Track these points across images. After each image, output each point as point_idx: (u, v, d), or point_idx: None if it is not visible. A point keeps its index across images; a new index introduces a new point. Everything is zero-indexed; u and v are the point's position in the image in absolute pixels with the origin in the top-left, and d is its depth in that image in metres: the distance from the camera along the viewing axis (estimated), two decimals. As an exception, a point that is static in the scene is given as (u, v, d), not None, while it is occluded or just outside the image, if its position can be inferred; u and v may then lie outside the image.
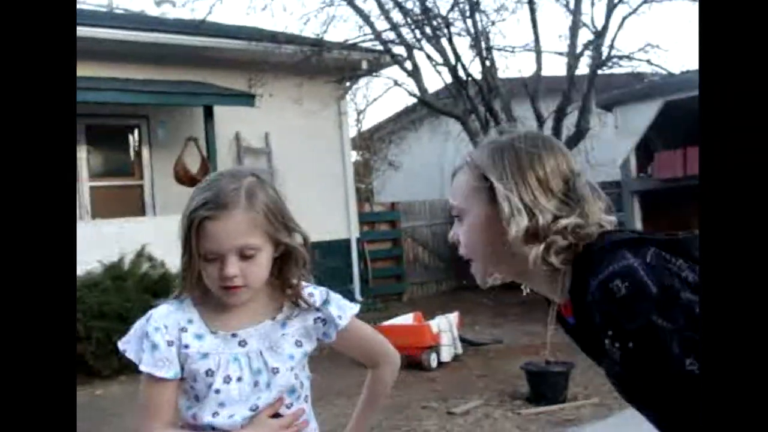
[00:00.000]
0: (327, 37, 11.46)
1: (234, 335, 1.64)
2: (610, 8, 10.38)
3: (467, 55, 16.62)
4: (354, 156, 17.36)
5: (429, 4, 10.75)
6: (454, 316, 8.26)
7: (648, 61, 10.72)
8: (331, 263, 10.93)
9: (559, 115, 10.39)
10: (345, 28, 36.92)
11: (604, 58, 10.58)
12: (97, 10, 14.06)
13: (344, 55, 11.56)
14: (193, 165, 10.43)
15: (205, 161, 10.46)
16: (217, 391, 1.61)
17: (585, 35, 10.75)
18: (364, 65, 12.55)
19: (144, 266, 8.75)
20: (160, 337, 1.60)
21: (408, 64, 11.00)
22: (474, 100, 10.82)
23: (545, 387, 6.25)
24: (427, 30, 10.80)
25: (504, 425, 5.74)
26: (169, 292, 1.69)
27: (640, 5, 10.49)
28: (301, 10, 18.30)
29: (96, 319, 7.95)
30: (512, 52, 11.36)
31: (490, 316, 10.98)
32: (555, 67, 53.02)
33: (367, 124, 20.73)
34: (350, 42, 11.52)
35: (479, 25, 10.64)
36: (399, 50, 11.24)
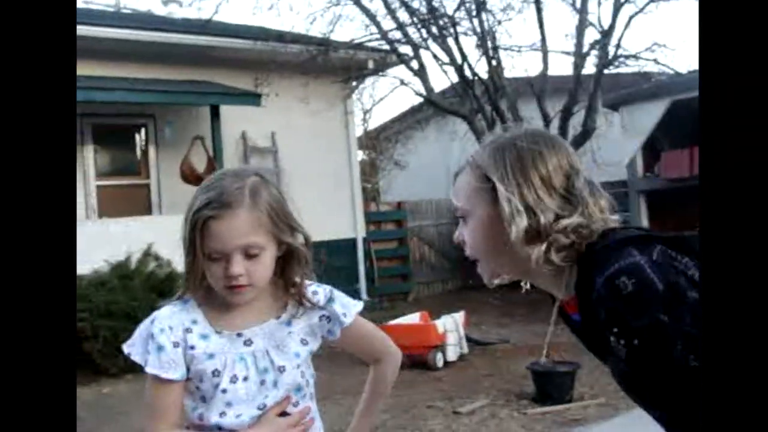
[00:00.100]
0: (333, 37, 11.48)
1: (239, 335, 1.64)
2: (617, 7, 10.37)
3: (474, 55, 16.59)
4: (360, 155, 17.36)
5: (435, 4, 10.75)
6: (460, 316, 8.26)
7: (655, 61, 10.72)
8: (337, 262, 10.92)
9: (566, 114, 10.38)
10: (351, 28, 36.96)
11: (610, 57, 10.57)
12: (105, 9, 14.08)
13: (350, 54, 11.57)
14: (200, 164, 10.45)
15: (212, 160, 10.47)
16: (224, 391, 1.61)
17: (592, 34, 10.75)
18: (371, 65, 12.55)
19: (150, 265, 8.77)
20: (165, 338, 1.59)
21: (414, 64, 11.00)
22: (480, 100, 10.82)
23: (551, 387, 6.24)
24: (434, 29, 10.81)
25: (510, 425, 5.74)
26: (175, 291, 1.69)
27: (647, 4, 10.48)
28: (307, 9, 18.44)
29: (103, 317, 7.98)
30: (519, 51, 11.38)
31: (496, 315, 10.97)
32: (561, 66, 52.96)
33: (374, 123, 20.72)
34: (356, 41, 11.53)
35: (485, 24, 10.64)
36: (405, 50, 11.24)
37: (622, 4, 10.37)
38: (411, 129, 18.60)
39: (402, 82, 11.75)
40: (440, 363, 7.72)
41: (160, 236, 8.53)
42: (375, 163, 20.75)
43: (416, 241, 14.55)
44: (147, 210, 11.03)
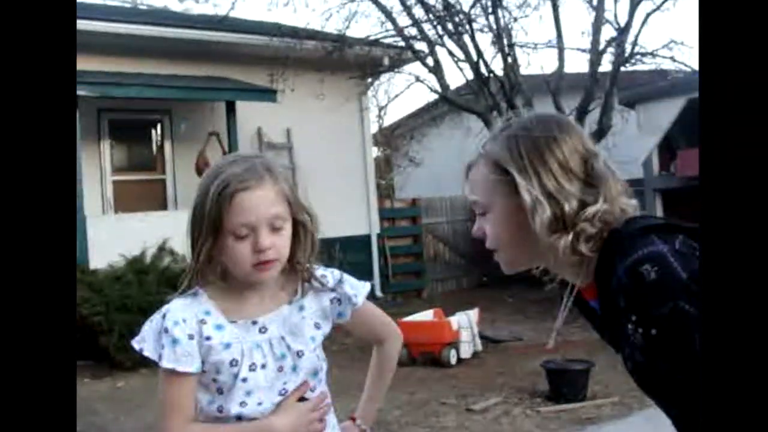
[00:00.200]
0: (349, 33, 11.48)
1: (254, 322, 1.64)
2: (634, 4, 10.30)
3: (489, 52, 16.58)
4: (375, 152, 17.35)
5: (451, 0, 10.72)
6: (474, 313, 8.25)
7: (672, 58, 10.64)
8: (351, 259, 10.93)
9: (581, 112, 10.33)
10: (367, 24, 36.94)
11: (627, 54, 10.51)
12: (122, 6, 14.15)
13: (366, 51, 11.57)
14: (215, 160, 10.46)
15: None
16: (244, 380, 1.61)
17: (608, 32, 10.68)
18: (386, 61, 12.54)
19: (166, 260, 8.82)
20: (180, 331, 1.58)
21: (430, 61, 10.99)
22: (496, 97, 10.79)
23: (565, 385, 6.22)
24: (449, 26, 10.78)
25: (523, 423, 5.73)
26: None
27: (664, 2, 10.41)
28: (323, 5, 18.36)
29: (118, 312, 8.04)
30: (534, 48, 11.31)
31: (509, 313, 10.96)
32: (577, 63, 52.73)
33: (389, 120, 20.70)
34: (372, 38, 11.52)
35: (501, 21, 10.60)
36: (421, 46, 11.23)
37: (639, 2, 10.31)
38: (426, 126, 18.56)
39: (417, 79, 11.74)
40: (453, 360, 7.72)
41: (175, 231, 8.48)
42: (390, 160, 20.73)
43: (430, 238, 14.54)
44: (162, 205, 11.08)
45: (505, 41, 10.64)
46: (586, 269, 1.40)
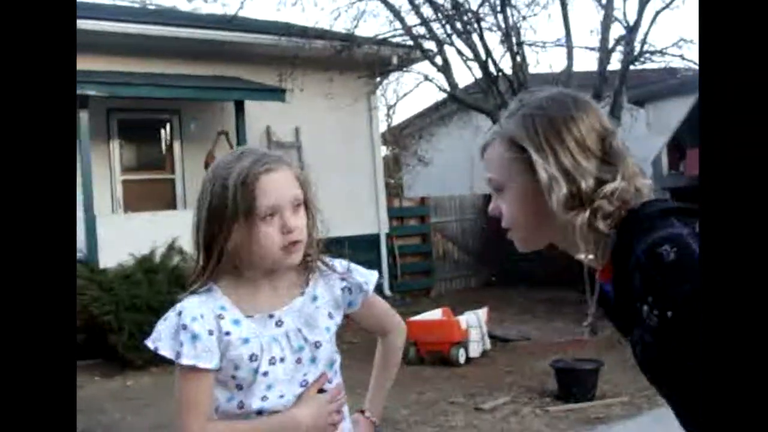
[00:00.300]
0: (357, 32, 11.48)
1: (270, 316, 1.64)
2: (643, 3, 10.27)
3: (498, 51, 16.51)
4: (384, 151, 17.36)
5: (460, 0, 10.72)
6: (483, 312, 8.24)
7: (681, 57, 10.59)
8: (359, 258, 10.79)
9: (591, 110, 10.28)
10: (375, 24, 36.95)
11: (636, 53, 10.48)
12: (131, 6, 14.19)
13: (375, 50, 11.57)
14: (222, 159, 10.49)
15: (236, 156, 10.51)
16: (265, 374, 1.61)
17: (617, 30, 10.65)
18: (395, 60, 12.54)
19: (175, 259, 8.84)
20: (199, 326, 1.57)
21: (438, 59, 10.97)
22: (504, 96, 10.76)
23: (574, 384, 6.21)
24: (458, 25, 10.77)
25: (532, 422, 5.72)
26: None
27: (673, 0, 10.37)
28: (331, 5, 18.37)
29: (128, 311, 8.06)
30: (543, 47, 11.29)
31: (517, 312, 10.94)
32: (586, 62, 52.58)
33: (397, 119, 20.71)
34: (381, 37, 11.52)
35: (510, 20, 10.58)
36: (429, 45, 11.22)
37: (648, 0, 10.28)
38: (434, 125, 18.55)
39: (426, 78, 11.72)
40: (462, 359, 7.72)
41: (184, 230, 8.48)
42: (398, 159, 20.72)
43: (439, 237, 14.53)
44: (172, 204, 11.11)
45: (514, 40, 10.62)
46: (602, 249, 1.38)
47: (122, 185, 10.82)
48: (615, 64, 10.63)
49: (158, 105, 10.80)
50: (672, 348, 1.24)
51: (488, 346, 8.16)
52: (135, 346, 7.86)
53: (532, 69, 11.00)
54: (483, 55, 10.62)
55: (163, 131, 11.42)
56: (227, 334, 1.59)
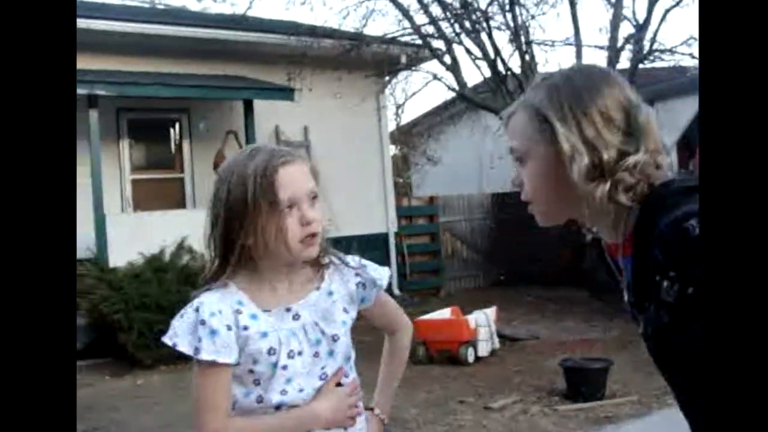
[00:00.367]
0: (366, 31, 11.48)
1: (288, 309, 1.65)
2: (653, 1, 10.24)
3: (507, 49, 16.48)
4: (392, 150, 17.36)
5: (468, -2, 10.71)
6: (491, 311, 8.24)
7: (691, 55, 10.57)
8: (368, 257, 10.81)
9: (600, 109, 10.26)
10: (384, 23, 36.90)
11: (645, 51, 10.45)
12: (140, 5, 14.24)
13: (383, 49, 11.57)
14: (232, 158, 10.51)
15: (245, 155, 10.53)
16: (285, 368, 1.61)
17: (626, 28, 10.63)
18: (403, 59, 12.54)
19: (184, 258, 8.87)
20: (217, 322, 1.57)
21: (447, 58, 10.97)
22: (513, 95, 10.74)
23: (583, 383, 6.19)
24: (467, 24, 10.76)
25: (541, 421, 5.71)
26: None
27: (683, -2, 10.34)
28: (340, 4, 18.39)
29: (137, 310, 8.09)
30: (552, 46, 11.28)
31: (526, 311, 10.92)
32: (595, 61, 52.36)
33: (406, 118, 20.70)
34: (389, 36, 11.53)
35: (519, 19, 10.57)
36: (438, 44, 11.22)
37: (657, -2, 10.25)
38: (443, 124, 18.54)
39: (435, 77, 11.73)
40: (471, 358, 7.71)
41: (193, 229, 8.56)
42: (407, 158, 20.72)
43: (448, 236, 14.52)
44: (181, 203, 11.15)
45: (523, 39, 10.61)
46: (623, 222, 1.38)
47: (132, 184, 10.87)
48: (624, 62, 10.61)
49: (167, 104, 10.84)
50: (685, 328, 1.23)
51: (497, 345, 8.15)
52: (145, 344, 7.89)
53: (541, 68, 10.97)
54: (492, 54, 10.61)
55: (172, 131, 11.45)
56: (245, 328, 1.59)
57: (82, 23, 9.02)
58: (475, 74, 25.96)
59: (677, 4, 10.37)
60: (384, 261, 12.71)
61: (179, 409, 6.12)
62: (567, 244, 11.58)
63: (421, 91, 29.21)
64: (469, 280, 14.53)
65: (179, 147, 11.40)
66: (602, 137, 1.35)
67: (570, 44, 10.83)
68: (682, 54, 10.62)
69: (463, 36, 10.88)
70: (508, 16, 10.59)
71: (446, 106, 17.17)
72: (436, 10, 11.00)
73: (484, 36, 10.67)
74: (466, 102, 12.15)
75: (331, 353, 1.67)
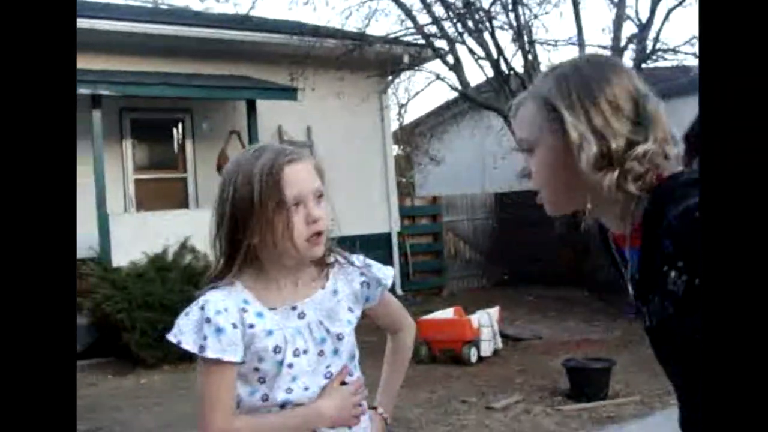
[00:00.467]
0: (369, 31, 11.49)
1: (293, 308, 1.65)
2: (656, 0, 10.23)
3: (509, 49, 16.49)
4: (395, 150, 17.35)
5: (471, -2, 10.71)
6: (494, 311, 8.23)
7: (694, 55, 10.55)
8: (371, 256, 10.88)
9: (603, 109, 10.26)
10: (387, 22, 36.90)
11: (648, 51, 10.45)
12: (143, 6, 14.25)
13: (386, 48, 11.57)
14: (235, 158, 10.52)
15: (248, 155, 10.54)
16: (290, 366, 1.61)
17: (629, 28, 10.63)
18: (406, 59, 12.54)
19: (187, 258, 8.89)
20: (223, 320, 1.56)
21: (450, 58, 10.98)
22: (516, 94, 10.73)
23: (586, 384, 6.19)
24: (469, 24, 10.77)
25: (543, 421, 5.71)
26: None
27: (686, -3, 10.33)
28: (343, 4, 18.40)
29: (141, 309, 8.10)
30: (555, 45, 11.29)
31: (529, 311, 10.92)
32: (599, 60, 52.28)
33: (409, 118, 20.67)
34: (392, 36, 11.53)
35: (522, 18, 10.57)
36: (441, 44, 11.22)
37: (660, -2, 10.24)
38: (446, 124, 18.54)
39: (437, 77, 11.73)
40: (474, 358, 7.71)
41: (196, 229, 8.59)
42: (410, 158, 20.72)
43: (451, 236, 14.52)
44: (184, 203, 11.16)
45: (526, 38, 10.61)
46: (631, 211, 1.38)
47: (135, 184, 10.88)
48: (627, 62, 10.59)
49: (170, 104, 10.85)
50: (690, 320, 1.23)
51: (500, 345, 8.15)
52: (148, 344, 7.90)
53: (544, 68, 10.93)
54: (494, 54, 10.61)
55: (175, 130, 11.46)
56: (251, 326, 1.59)
57: (85, 23, 9.04)
58: (477, 74, 25.97)
59: (680, 3, 10.36)
60: (387, 261, 12.61)
61: (182, 409, 6.13)
62: (568, 244, 11.59)
63: (423, 90, 29.18)
64: (471, 280, 14.53)
65: (182, 147, 11.42)
66: (611, 126, 1.34)
67: (573, 44, 10.84)
68: (686, 53, 10.62)
69: (465, 36, 10.89)
70: (511, 15, 10.59)
71: (449, 105, 17.17)
72: (438, 9, 11.01)
73: (486, 35, 10.68)
74: (469, 102, 12.16)
75: (335, 352, 1.67)
